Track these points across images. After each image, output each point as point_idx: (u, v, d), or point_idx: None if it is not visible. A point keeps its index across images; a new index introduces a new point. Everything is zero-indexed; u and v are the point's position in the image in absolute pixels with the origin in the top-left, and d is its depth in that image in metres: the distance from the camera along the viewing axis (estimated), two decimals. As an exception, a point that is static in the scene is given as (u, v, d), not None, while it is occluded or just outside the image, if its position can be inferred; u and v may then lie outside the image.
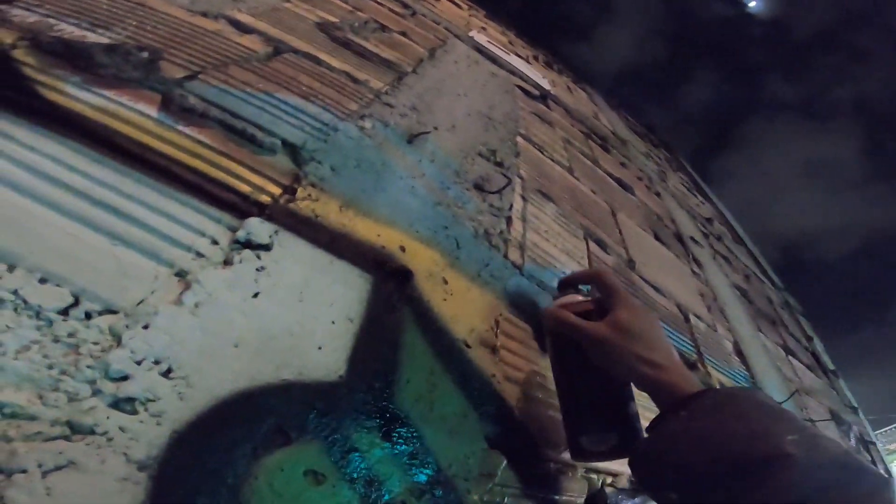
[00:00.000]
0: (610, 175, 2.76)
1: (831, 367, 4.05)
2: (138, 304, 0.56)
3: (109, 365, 0.50)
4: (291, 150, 0.91)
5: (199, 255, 0.65)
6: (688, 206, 4.24)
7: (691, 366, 1.64)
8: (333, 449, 0.60)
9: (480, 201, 1.30)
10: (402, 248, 0.92)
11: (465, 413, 0.80)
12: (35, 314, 0.51)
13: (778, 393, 2.30)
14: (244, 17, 1.31)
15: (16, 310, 0.50)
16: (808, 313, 5.29)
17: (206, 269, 0.63)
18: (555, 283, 1.28)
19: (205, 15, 1.19)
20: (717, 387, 1.70)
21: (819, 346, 4.37)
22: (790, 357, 3.01)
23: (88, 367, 0.49)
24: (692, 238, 3.11)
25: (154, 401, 0.50)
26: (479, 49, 3.11)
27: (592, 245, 1.70)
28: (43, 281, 0.53)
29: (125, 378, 0.50)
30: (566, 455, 0.90)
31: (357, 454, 0.62)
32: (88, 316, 0.53)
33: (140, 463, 0.46)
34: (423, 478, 0.67)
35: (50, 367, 0.48)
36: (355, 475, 0.61)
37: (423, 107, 1.53)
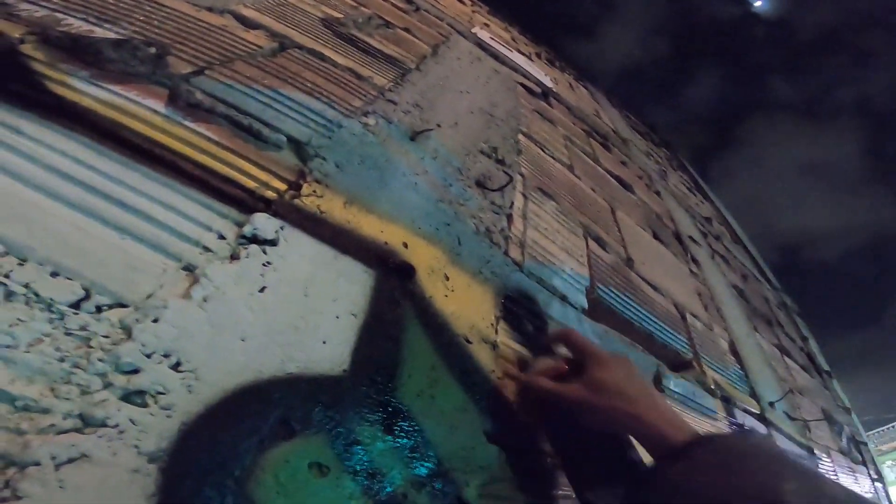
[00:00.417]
0: (610, 173, 2.77)
1: (826, 367, 4.07)
2: (147, 297, 0.57)
3: (120, 358, 0.51)
4: (296, 146, 0.92)
5: (207, 249, 0.66)
6: (687, 205, 4.25)
7: (687, 364, 1.65)
8: (337, 442, 0.61)
9: (482, 198, 1.31)
10: (405, 245, 0.93)
11: (464, 408, 0.81)
12: (47, 307, 0.51)
13: (772, 392, 2.31)
14: (249, 13, 1.31)
15: (27, 303, 0.51)
16: (805, 314, 5.31)
17: (214, 264, 0.64)
18: (554, 281, 1.29)
19: (210, 10, 1.20)
20: (714, 388, 1.72)
21: (814, 346, 4.39)
22: (785, 357, 3.03)
23: (100, 360, 0.50)
24: (691, 237, 3.12)
25: (164, 394, 0.51)
26: (482, 46, 3.11)
27: (592, 243, 1.71)
28: (54, 274, 0.54)
29: (136, 371, 0.51)
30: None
31: (360, 447, 0.63)
32: (99, 309, 0.54)
33: (150, 455, 0.47)
34: (423, 471, 0.68)
35: (62, 360, 0.48)
36: (358, 467, 0.61)
37: (426, 104, 1.54)
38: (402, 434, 0.69)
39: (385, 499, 0.61)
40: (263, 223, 0.72)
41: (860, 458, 3.20)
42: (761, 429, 1.94)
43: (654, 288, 1.90)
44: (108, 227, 0.61)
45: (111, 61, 0.82)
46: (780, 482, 0.60)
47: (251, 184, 0.78)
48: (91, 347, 0.51)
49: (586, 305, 1.36)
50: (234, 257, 0.67)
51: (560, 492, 0.88)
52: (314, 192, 0.86)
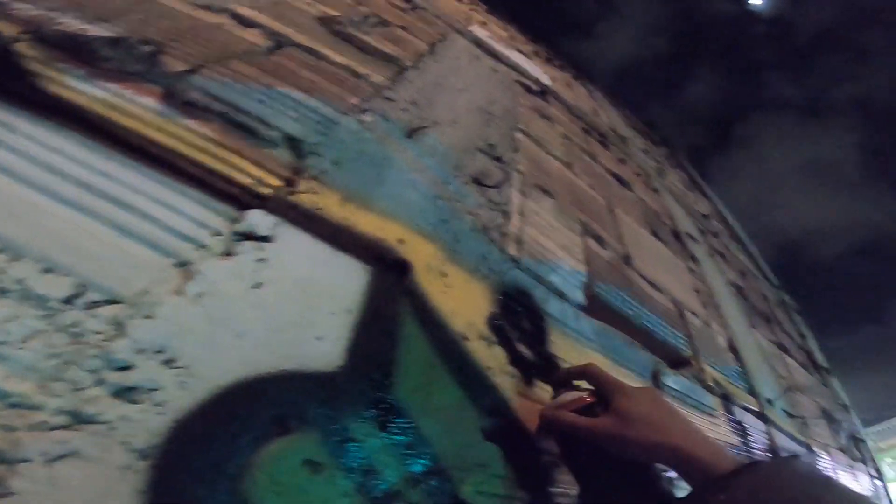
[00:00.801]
0: (608, 171, 2.77)
1: (825, 365, 4.07)
2: (141, 294, 0.57)
3: (112, 355, 0.50)
4: (293, 143, 0.92)
5: (202, 245, 0.65)
6: (686, 203, 4.25)
7: (686, 362, 1.65)
8: (332, 439, 0.61)
9: (479, 195, 1.31)
10: (402, 241, 0.93)
11: (461, 405, 0.81)
12: (40, 304, 0.51)
13: (770, 389, 2.32)
14: (246, 11, 1.31)
15: (20, 299, 0.51)
16: (805, 311, 5.32)
17: (208, 260, 0.64)
18: (551, 278, 1.29)
19: (207, 8, 1.20)
20: (712, 385, 1.72)
21: (813, 343, 4.39)
22: (784, 354, 3.03)
23: (92, 356, 0.50)
24: (689, 235, 3.12)
25: (156, 390, 0.51)
26: (480, 44, 3.11)
27: (589, 240, 1.71)
28: (47, 271, 0.54)
29: (128, 368, 0.51)
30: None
31: (355, 444, 0.63)
32: (92, 306, 0.54)
33: (141, 452, 0.47)
34: (419, 468, 0.68)
35: (54, 356, 0.48)
36: (353, 465, 0.61)
37: (424, 101, 1.54)
38: (398, 431, 0.69)
39: (380, 496, 0.61)
40: (258, 220, 0.72)
41: (859, 456, 3.20)
42: (760, 426, 1.95)
43: (653, 285, 1.90)
44: (102, 224, 0.61)
45: (106, 60, 0.82)
46: None
47: (246, 181, 0.78)
48: (83, 344, 0.51)
49: (584, 302, 1.36)
50: (228, 254, 0.67)
51: (559, 489, 0.88)
52: (310, 188, 0.85)
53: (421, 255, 0.95)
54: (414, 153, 1.21)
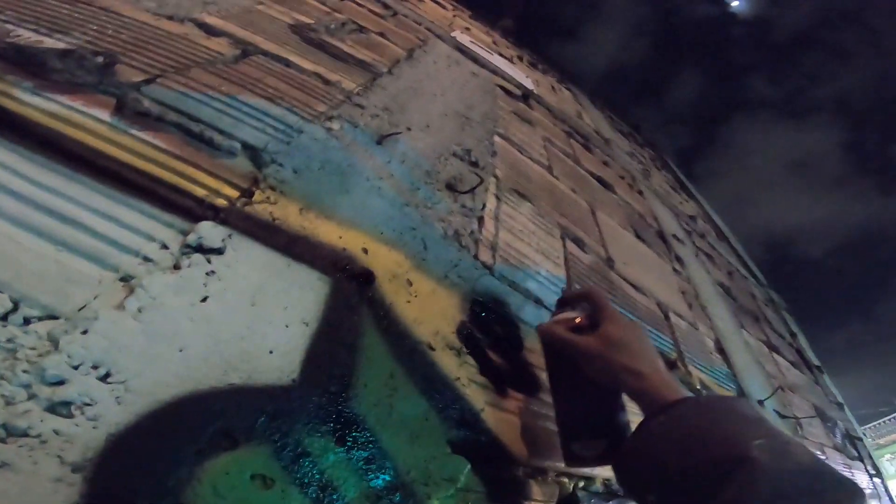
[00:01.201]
0: (591, 174, 2.77)
1: (816, 362, 4.07)
2: (80, 309, 0.56)
3: (45, 370, 0.50)
4: (252, 152, 0.90)
5: (147, 259, 0.64)
6: (671, 204, 4.25)
7: (671, 364, 1.64)
8: (284, 453, 0.60)
9: (452, 201, 1.30)
10: (365, 251, 0.92)
11: (426, 417, 0.79)
12: (-27, 321, 0.50)
13: (761, 390, 2.31)
14: (213, 20, 1.30)
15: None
16: (796, 310, 5.32)
17: (154, 274, 0.63)
18: (527, 284, 1.28)
19: (171, 18, 1.19)
20: (700, 388, 1.71)
21: (803, 342, 4.39)
22: (773, 353, 3.02)
23: (24, 371, 0.49)
24: (675, 236, 3.12)
25: (91, 405, 0.50)
26: (461, 49, 3.11)
27: (570, 244, 1.70)
28: (-17, 288, 0.53)
29: (62, 382, 0.50)
30: (536, 459, 0.90)
31: (309, 459, 0.62)
32: (27, 321, 0.53)
33: (74, 465, 0.47)
34: (380, 482, 0.67)
35: (-14, 372, 0.48)
36: (307, 480, 0.60)
37: (397, 107, 1.53)
38: (357, 445, 0.67)
39: (336, 511, 0.60)
40: (209, 232, 0.71)
41: (856, 454, 3.18)
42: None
43: (636, 288, 1.89)
44: (43, 240, 0.60)
45: (56, 71, 0.81)
46: (750, 438, 0.62)
47: (200, 192, 0.76)
48: (17, 359, 0.50)
49: (562, 307, 1.35)
50: (176, 267, 0.65)
51: (532, 503, 0.87)
52: (268, 198, 0.84)
53: (385, 263, 0.94)
54: (382, 160, 1.20)
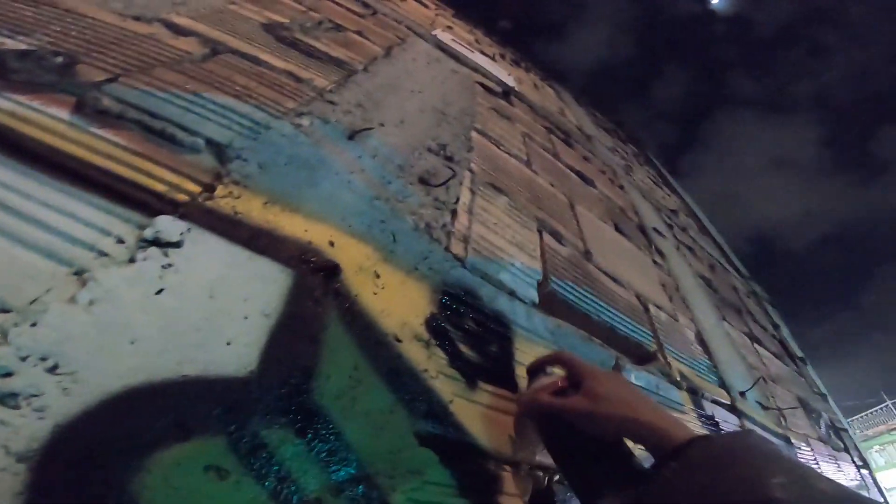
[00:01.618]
0: (571, 168, 2.78)
1: (799, 354, 4.09)
2: (31, 303, 0.56)
3: (-7, 362, 0.50)
4: (216, 148, 0.91)
5: (102, 253, 0.64)
6: (653, 198, 4.27)
7: (650, 356, 1.65)
8: (240, 445, 0.60)
9: (424, 195, 1.31)
10: (332, 243, 0.92)
11: (391, 409, 0.79)
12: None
13: (742, 381, 2.32)
14: (182, 21, 1.30)
15: None
16: (780, 302, 5.36)
17: (108, 268, 0.63)
18: (500, 276, 1.28)
19: (138, 19, 1.19)
20: (679, 379, 1.72)
21: (786, 333, 4.42)
22: (756, 345, 3.04)
23: (-29, 364, 0.50)
24: (655, 229, 3.13)
25: (37, 396, 0.50)
26: (442, 47, 3.11)
27: (547, 237, 1.71)
28: (-71, 283, 0.53)
29: (9, 374, 0.50)
30: (509, 452, 0.91)
31: (266, 450, 0.62)
32: (-24, 316, 0.53)
33: (19, 455, 0.47)
34: (342, 475, 0.67)
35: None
36: (264, 471, 0.60)
37: (371, 104, 1.53)
38: (318, 437, 0.68)
39: None
40: (167, 225, 0.71)
41: (841, 446, 3.20)
42: (733, 419, 1.95)
43: (615, 280, 1.90)
44: (-4, 235, 0.60)
45: (15, 72, 0.81)
46: (768, 477, 0.61)
47: (160, 187, 0.76)
48: (-36, 353, 0.50)
49: (537, 300, 1.36)
50: (132, 260, 0.66)
51: (504, 497, 0.87)
52: (230, 193, 0.84)
53: (352, 256, 0.94)
54: (353, 155, 1.20)
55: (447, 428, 0.85)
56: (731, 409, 2.00)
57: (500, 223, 1.51)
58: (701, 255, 3.97)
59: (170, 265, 0.68)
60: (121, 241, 0.67)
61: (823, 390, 3.88)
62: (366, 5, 2.85)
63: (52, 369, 0.52)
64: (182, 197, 0.78)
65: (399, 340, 0.89)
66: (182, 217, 0.74)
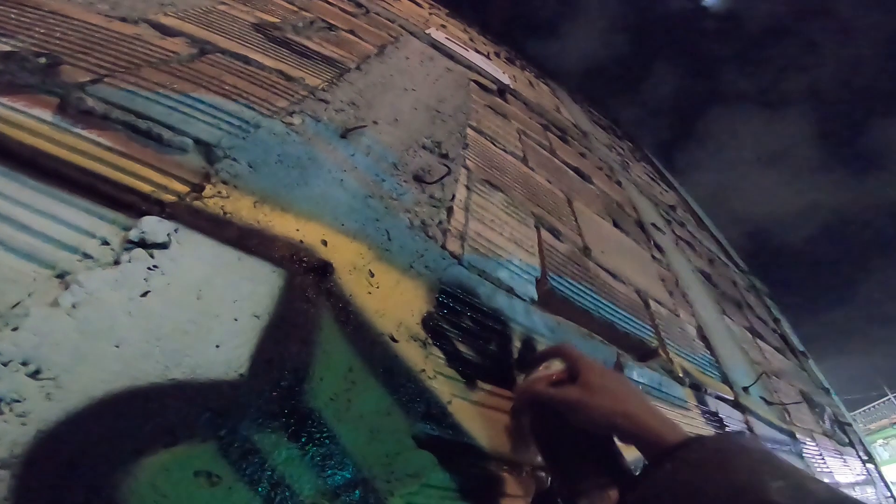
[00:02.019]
0: (567, 165, 2.76)
1: (801, 348, 4.08)
2: (13, 307, 0.55)
3: (-28, 368, 0.48)
4: (205, 148, 0.89)
5: (87, 256, 0.63)
6: (651, 194, 4.26)
7: (652, 353, 1.63)
8: (231, 449, 0.59)
9: (419, 192, 1.29)
10: (324, 242, 0.91)
11: (388, 411, 0.78)
12: None
13: (745, 376, 2.31)
14: (170, 21, 1.28)
15: None
16: (779, 296, 5.35)
17: (92, 270, 0.62)
18: (498, 273, 1.27)
19: (124, 20, 1.17)
20: (682, 375, 1.70)
21: (787, 327, 4.40)
22: (757, 339, 3.03)
23: (-50, 370, 0.48)
24: (654, 225, 3.12)
25: (20, 401, 0.49)
26: (436, 46, 3.10)
27: (545, 233, 1.70)
28: None
29: (-12, 381, 0.49)
30: (509, 453, 0.89)
31: (258, 455, 0.60)
32: (-45, 321, 0.52)
33: (2, 461, 0.46)
34: (338, 479, 0.66)
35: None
36: (257, 476, 0.59)
37: (363, 102, 1.52)
38: (312, 441, 0.66)
39: (290, 509, 0.59)
40: (153, 226, 0.69)
41: (846, 440, 3.17)
42: (737, 415, 1.93)
43: (614, 276, 1.89)
44: (-24, 239, 0.58)
45: (-3, 73, 0.79)
46: (764, 480, 0.61)
47: (146, 188, 0.75)
48: (-56, 359, 0.49)
49: (536, 297, 1.34)
50: (116, 262, 0.64)
51: (506, 498, 0.85)
52: (219, 193, 0.83)
53: (346, 255, 0.92)
54: (346, 153, 1.19)
55: (446, 429, 0.83)
56: (735, 404, 1.99)
57: (497, 220, 1.49)
58: (700, 249, 3.95)
59: (156, 267, 0.66)
60: (105, 242, 0.65)
61: (826, 385, 3.86)
62: (358, 4, 2.83)
63: (35, 374, 0.51)
64: (169, 197, 0.76)
65: (395, 340, 0.87)
66: (169, 218, 0.73)
